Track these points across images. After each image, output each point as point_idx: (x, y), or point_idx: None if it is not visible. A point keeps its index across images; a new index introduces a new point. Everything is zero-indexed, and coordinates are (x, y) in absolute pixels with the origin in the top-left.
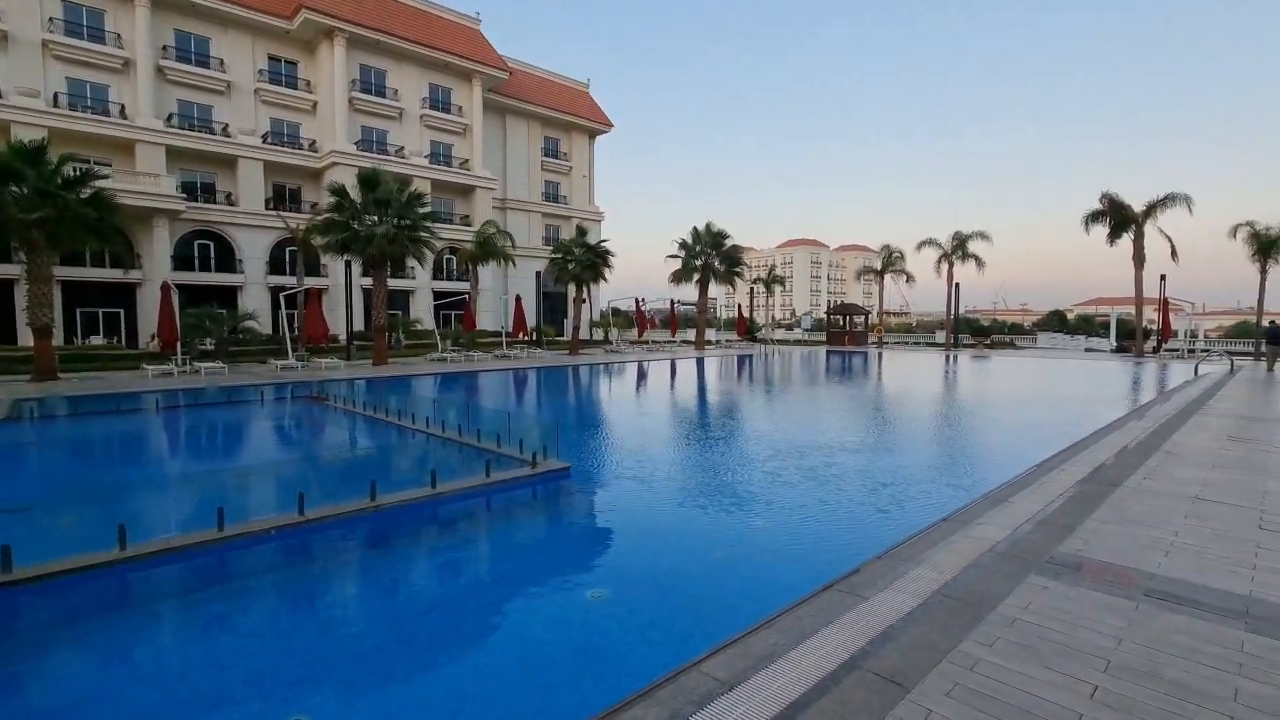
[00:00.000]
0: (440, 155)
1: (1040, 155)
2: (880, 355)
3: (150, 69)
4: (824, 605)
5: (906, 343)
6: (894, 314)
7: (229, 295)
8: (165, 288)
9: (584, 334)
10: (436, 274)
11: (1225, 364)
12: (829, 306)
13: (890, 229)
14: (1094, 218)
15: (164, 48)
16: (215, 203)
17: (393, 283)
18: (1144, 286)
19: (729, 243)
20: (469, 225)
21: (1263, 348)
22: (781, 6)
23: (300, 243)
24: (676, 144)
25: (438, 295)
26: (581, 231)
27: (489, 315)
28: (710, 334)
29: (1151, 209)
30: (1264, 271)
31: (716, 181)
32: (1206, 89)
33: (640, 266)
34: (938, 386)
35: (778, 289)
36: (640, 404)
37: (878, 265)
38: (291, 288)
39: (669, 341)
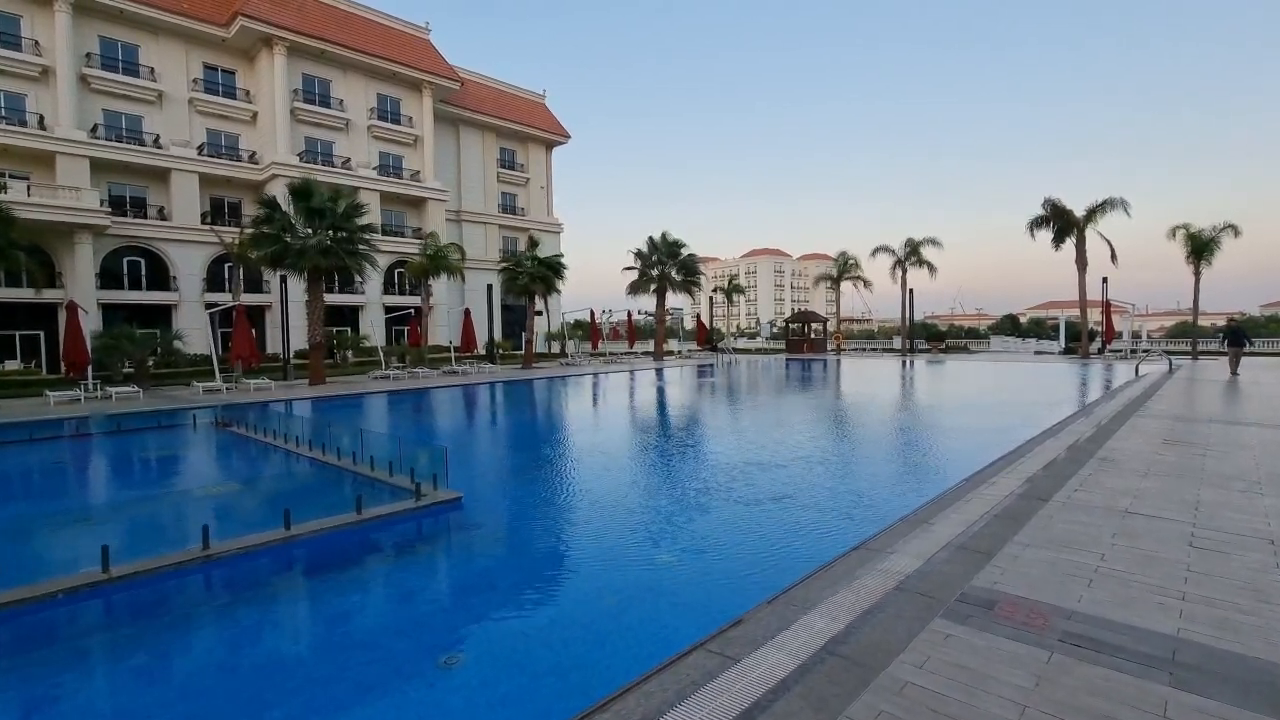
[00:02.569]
0: (390, 167)
1: (997, 162)
2: (838, 363)
3: (72, 77)
4: (684, 674)
5: (864, 349)
6: (855, 321)
7: (163, 314)
8: (71, 308)
9: (541, 347)
10: (389, 288)
11: (1164, 364)
12: (791, 315)
13: (854, 237)
14: (1038, 223)
15: (88, 55)
16: (146, 217)
17: (341, 298)
18: (1088, 289)
19: (685, 252)
20: (421, 238)
21: (1213, 346)
22: (738, 21)
23: (236, 258)
24: (640, 155)
25: (390, 310)
26: (533, 243)
27: (443, 330)
28: (672, 344)
29: (1092, 213)
30: (1198, 273)
31: (680, 193)
32: (1149, 96)
33: (604, 278)
34: (884, 395)
35: (741, 298)
36: (575, 421)
37: (835, 273)
38: (224, 305)
39: (627, 353)
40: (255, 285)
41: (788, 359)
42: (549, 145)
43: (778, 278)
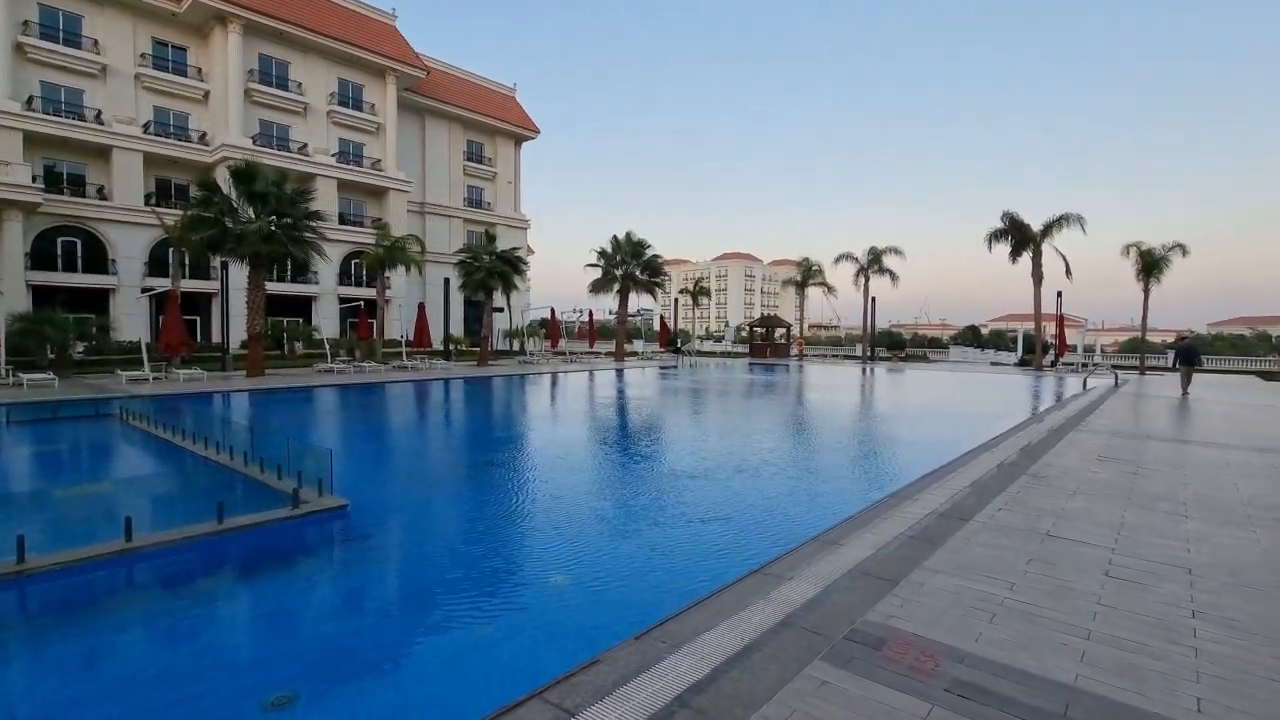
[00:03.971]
0: (350, 154)
1: (970, 175)
2: (799, 369)
3: (6, 45)
4: None
5: (826, 355)
6: (823, 327)
7: (101, 299)
8: None
9: (502, 345)
10: (345, 279)
11: (1111, 379)
12: (754, 319)
13: (827, 244)
14: (997, 236)
15: (25, 23)
16: (85, 196)
17: (292, 287)
18: (1044, 303)
19: (650, 252)
20: (381, 228)
21: (1160, 362)
22: (712, 27)
23: (176, 241)
24: (614, 157)
25: (346, 302)
26: (490, 237)
27: (400, 325)
28: (637, 345)
29: (1048, 228)
30: (1147, 290)
31: (653, 195)
32: (1112, 117)
33: (573, 277)
34: (832, 404)
35: (710, 300)
36: (511, 424)
37: (799, 279)
38: (158, 290)
39: (589, 353)
40: (202, 271)
41: (750, 363)
42: (518, 140)
43: (748, 282)
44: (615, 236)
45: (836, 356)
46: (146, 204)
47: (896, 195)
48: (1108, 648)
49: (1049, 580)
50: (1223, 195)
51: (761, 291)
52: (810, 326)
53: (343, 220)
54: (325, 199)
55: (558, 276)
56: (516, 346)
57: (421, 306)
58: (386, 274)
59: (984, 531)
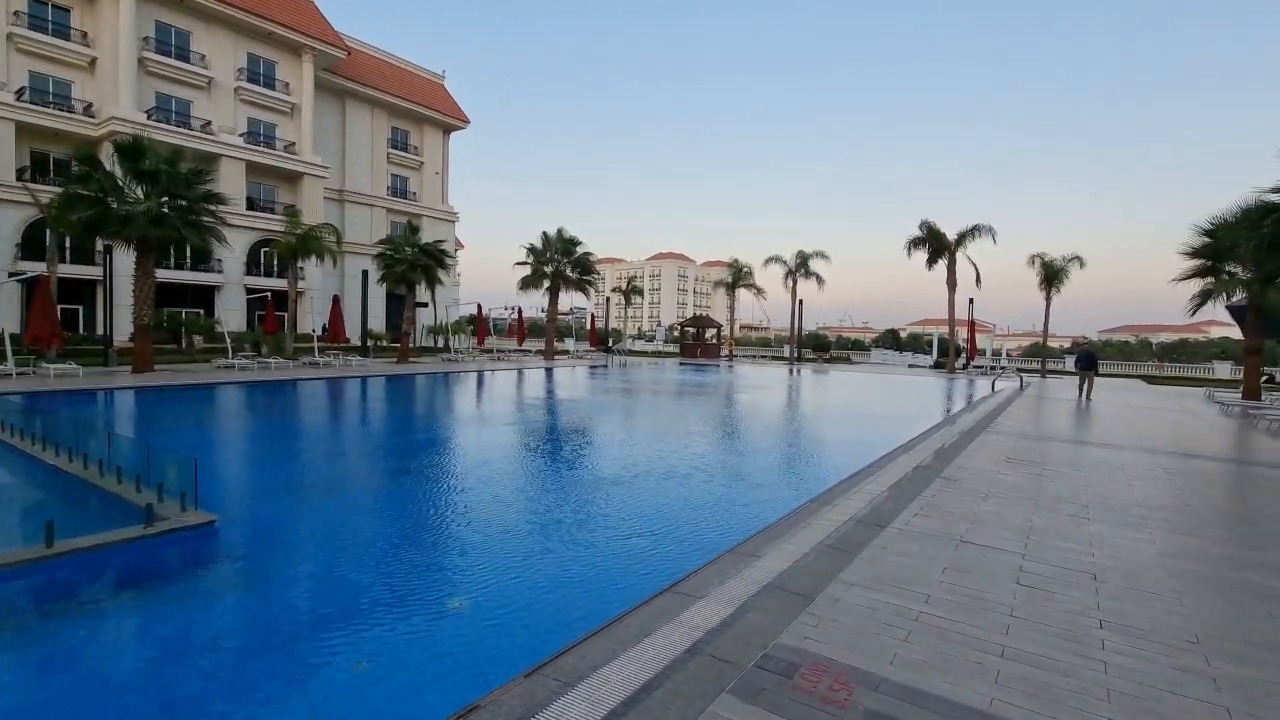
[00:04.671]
0: (260, 135)
1: (891, 183)
2: (728, 369)
3: None
4: None
5: (755, 356)
6: (754, 328)
7: None
8: None
9: (427, 341)
10: (254, 269)
11: (1016, 381)
12: (685, 319)
13: (760, 247)
14: (915, 243)
15: None
16: None
17: (192, 276)
18: (957, 309)
19: (581, 250)
20: (293, 215)
21: (1059, 366)
22: (648, 26)
23: (52, 222)
24: (552, 154)
25: (254, 293)
26: (413, 228)
27: (317, 318)
28: (567, 343)
29: (962, 237)
30: (1049, 298)
31: (587, 194)
32: (1017, 130)
33: (507, 273)
34: (756, 404)
35: (644, 300)
36: (422, 427)
37: (730, 280)
38: (26, 274)
39: (517, 350)
40: (87, 256)
41: (680, 362)
42: (446, 129)
43: (681, 282)
44: (545, 233)
45: (765, 357)
46: (19, 179)
47: (826, 201)
48: (1020, 665)
49: (963, 591)
50: (1115, 211)
51: (695, 292)
52: (742, 327)
53: (251, 205)
54: (231, 182)
55: (490, 273)
56: (442, 343)
57: (336, 299)
58: (299, 264)
59: (900, 539)
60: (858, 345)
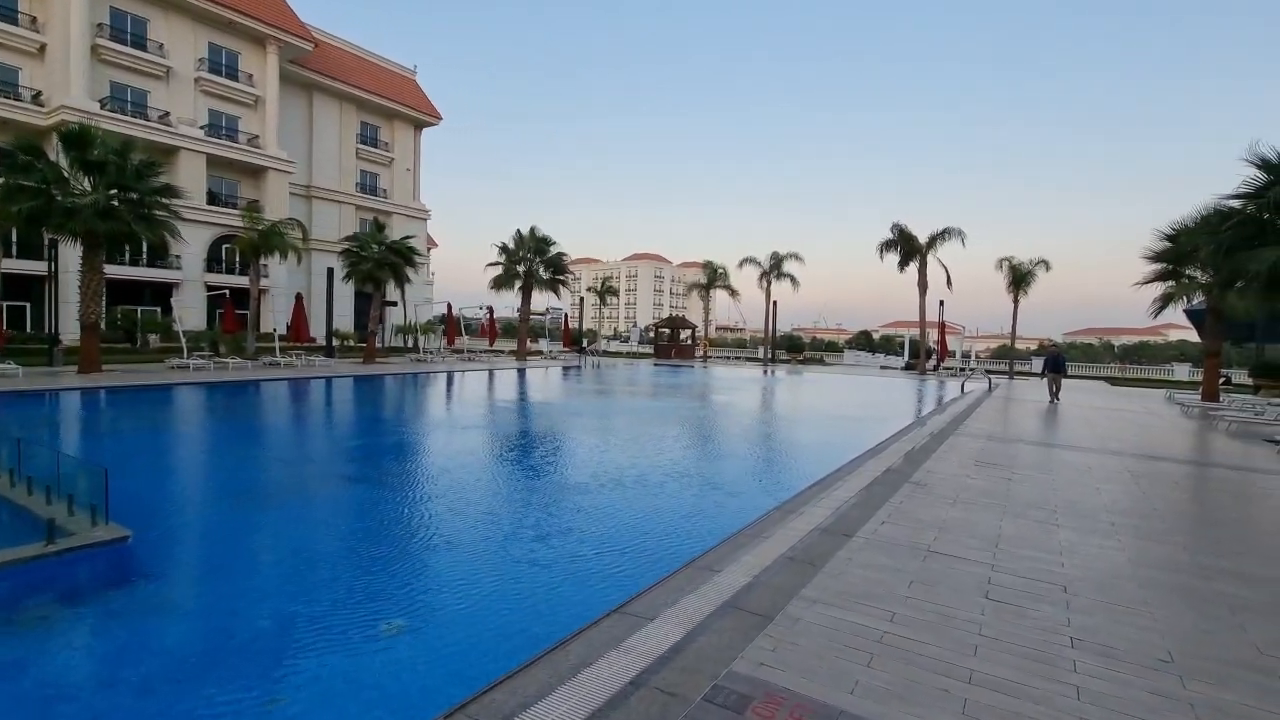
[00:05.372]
0: (223, 128)
1: (863, 185)
2: (701, 370)
3: None
4: None
5: (730, 357)
6: (730, 329)
7: None
8: None
9: (396, 341)
10: (215, 265)
11: (985, 383)
12: (660, 320)
13: (737, 248)
14: (888, 245)
15: None
16: None
17: (148, 272)
18: (928, 311)
19: (554, 249)
20: (254, 210)
21: (1026, 368)
22: (626, 26)
23: None
24: (529, 154)
25: (215, 290)
26: (379, 225)
27: (282, 316)
28: (542, 344)
29: (933, 240)
30: (1016, 301)
31: (565, 194)
32: (987, 136)
33: (482, 273)
34: (727, 405)
35: (620, 300)
36: (384, 428)
37: (705, 281)
38: None
39: (489, 351)
40: (35, 250)
41: (655, 363)
42: (418, 125)
43: (657, 283)
44: (519, 231)
45: (739, 358)
46: None
47: (803, 204)
48: (989, 691)
49: (930, 607)
50: (1081, 216)
51: (671, 293)
52: (718, 329)
53: (213, 200)
54: (190, 175)
55: (465, 273)
56: (411, 343)
57: (299, 297)
58: (262, 261)
59: (866, 549)
60: (832, 346)
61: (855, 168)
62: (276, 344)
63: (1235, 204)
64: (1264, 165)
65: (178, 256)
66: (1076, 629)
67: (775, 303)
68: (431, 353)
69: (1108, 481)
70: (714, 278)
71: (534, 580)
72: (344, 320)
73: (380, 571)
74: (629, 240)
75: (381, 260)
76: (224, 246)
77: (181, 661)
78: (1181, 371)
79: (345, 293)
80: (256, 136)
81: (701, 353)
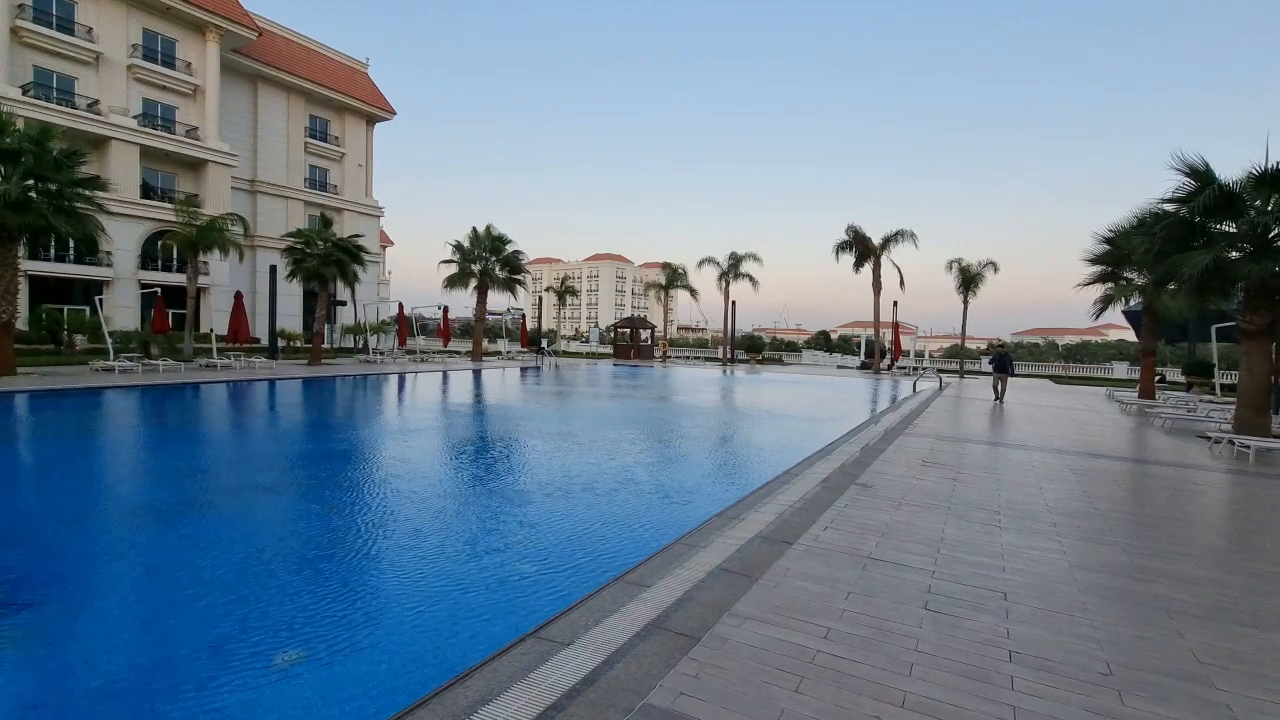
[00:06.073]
0: (158, 118)
1: (821, 188)
2: (660, 370)
3: None
4: None
5: (690, 357)
6: (691, 329)
7: None
8: None
9: (346, 342)
10: (150, 262)
11: (935, 382)
12: (619, 320)
13: (699, 248)
14: (843, 247)
15: None
16: None
17: (77, 269)
18: (883, 311)
19: (510, 248)
20: (190, 205)
21: (976, 367)
22: (584, 24)
23: None
24: (490, 153)
25: (149, 288)
26: (325, 221)
27: (223, 316)
28: (500, 344)
29: (887, 242)
30: (966, 302)
31: (527, 192)
32: (938, 140)
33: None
34: (681, 405)
35: (581, 300)
36: (318, 434)
37: (664, 282)
38: None
39: (443, 351)
40: None
41: (614, 364)
42: (370, 120)
43: (619, 283)
44: (475, 229)
45: (699, 358)
46: None
47: (764, 205)
48: (921, 716)
49: (867, 620)
50: (1026, 219)
51: (632, 293)
52: (679, 329)
53: (148, 194)
54: (122, 167)
55: (422, 272)
56: (361, 344)
57: (239, 296)
58: (202, 258)
59: (806, 558)
60: (791, 346)
61: (815, 170)
62: (214, 345)
63: (1169, 207)
64: (1191, 172)
65: (109, 253)
66: (1016, 640)
67: (734, 303)
68: (382, 354)
69: (1050, 480)
70: (673, 278)
71: (456, 601)
72: (291, 320)
73: (283, 594)
74: (591, 240)
75: (327, 257)
76: (160, 243)
77: (36, 706)
78: (1120, 370)
79: (293, 292)
80: (195, 128)
81: (661, 353)
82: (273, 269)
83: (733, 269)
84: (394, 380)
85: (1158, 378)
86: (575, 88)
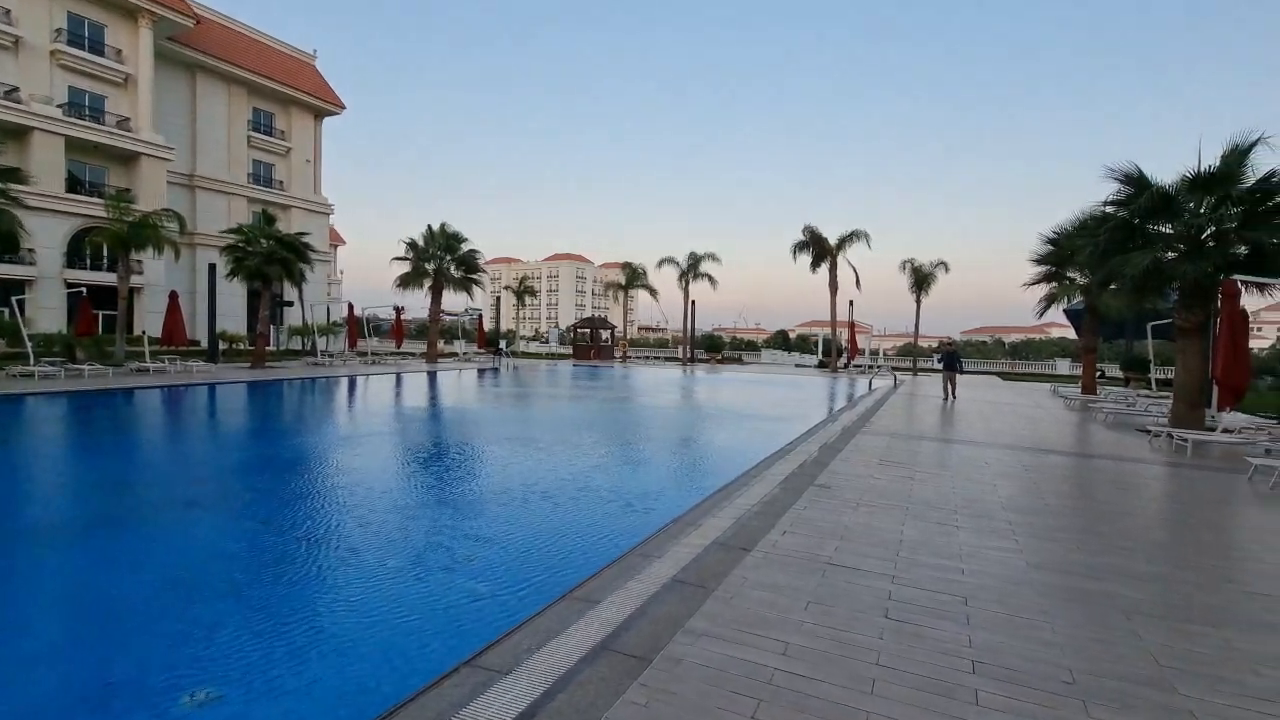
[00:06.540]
0: (86, 108)
1: (780, 189)
2: (620, 370)
3: None
4: None
5: (650, 357)
6: (652, 329)
7: None
8: None
9: (294, 344)
10: (79, 260)
11: (890, 380)
12: (578, 320)
13: (657, 249)
14: (800, 247)
15: None
16: None
17: None
18: (840, 311)
19: (466, 247)
20: (121, 200)
21: (929, 365)
22: (545, 19)
23: None
24: (440, 151)
25: (76, 287)
26: (269, 218)
27: (161, 317)
28: (458, 345)
29: (842, 242)
30: (919, 301)
31: (482, 191)
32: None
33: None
34: (644, 407)
35: (541, 301)
36: (235, 445)
37: (624, 282)
38: None
39: (396, 353)
40: None
41: (574, 364)
42: (318, 113)
43: (579, 283)
44: (430, 227)
45: (659, 358)
46: None
47: (726, 206)
48: None
49: (826, 633)
50: (976, 220)
51: (592, 293)
52: (640, 329)
53: (76, 188)
54: (46, 159)
55: (379, 272)
56: (309, 346)
57: (174, 296)
58: (135, 256)
59: (764, 566)
60: (751, 346)
61: (775, 171)
62: (146, 348)
63: (1110, 210)
64: (1125, 179)
65: (31, 250)
66: (978, 649)
67: (694, 303)
68: (331, 356)
69: (1003, 477)
70: (633, 278)
71: (394, 627)
72: (233, 321)
73: (197, 625)
74: (551, 240)
75: (270, 255)
76: (86, 239)
77: None
78: (1063, 366)
79: (236, 291)
80: (127, 119)
81: (621, 354)
82: (212, 267)
83: (692, 269)
84: (342, 384)
85: (1098, 374)
86: (534, 84)
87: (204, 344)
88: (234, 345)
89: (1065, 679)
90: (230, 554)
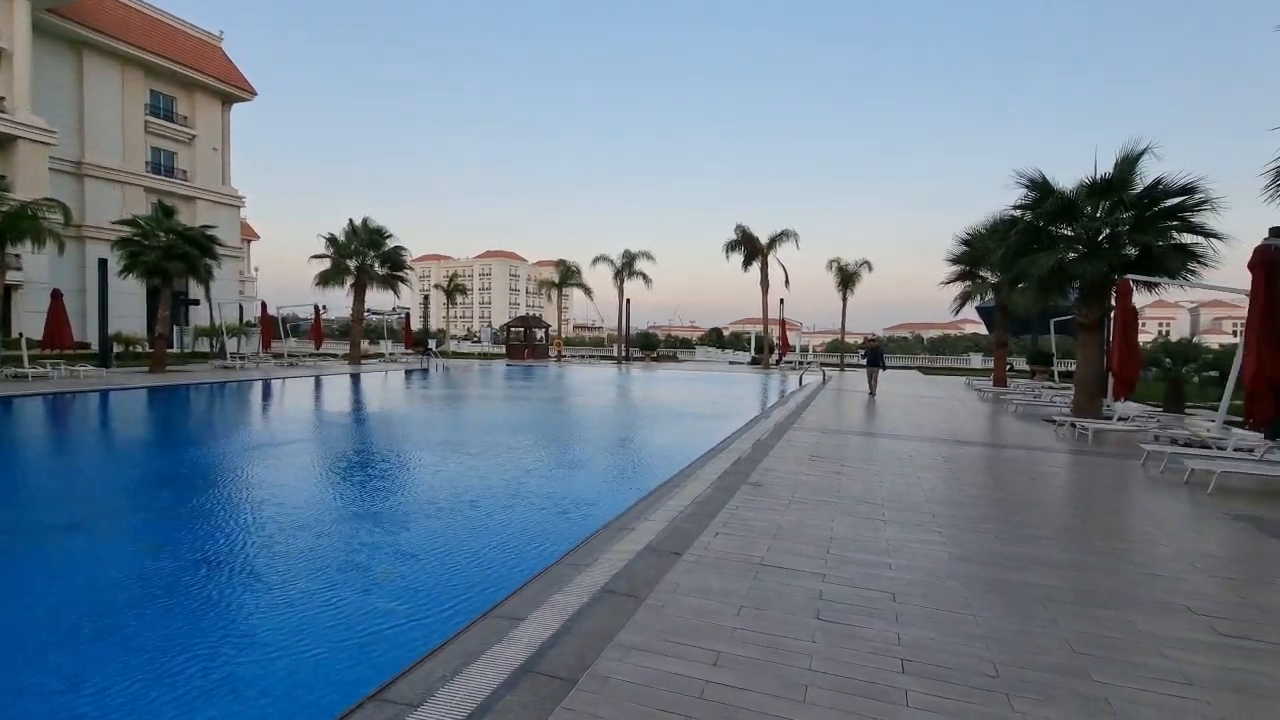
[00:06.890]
0: None
1: (713, 188)
2: (553, 369)
3: None
4: None
5: (585, 356)
6: (587, 328)
7: None
8: None
9: (201, 346)
10: None
11: (819, 376)
12: (511, 319)
13: (594, 247)
14: (732, 246)
15: None
16: None
17: None
18: (770, 309)
19: (390, 243)
20: (6, 189)
21: (854, 360)
22: (478, 18)
23: None
24: (364, 142)
25: None
26: (167, 210)
27: (43, 317)
28: (385, 345)
29: (773, 241)
30: (845, 299)
31: (409, 186)
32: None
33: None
34: (576, 407)
35: (474, 299)
36: (120, 459)
37: (558, 280)
38: None
39: (316, 354)
40: None
41: (507, 364)
42: (226, 99)
43: (513, 281)
44: (351, 221)
45: (595, 357)
46: None
47: (660, 203)
48: None
49: (759, 638)
50: (897, 221)
51: (526, 291)
52: (576, 328)
53: None
54: None
55: (301, 269)
56: (218, 348)
57: (57, 295)
58: (12, 250)
59: (696, 570)
60: (686, 344)
61: (708, 172)
62: (25, 351)
63: (1018, 213)
64: (1031, 184)
65: None
66: (907, 646)
67: (629, 301)
68: (243, 358)
69: (926, 469)
70: (567, 276)
71: (295, 660)
72: (132, 322)
73: (63, 673)
74: (483, 238)
75: (170, 249)
76: None
77: None
78: (976, 360)
79: (134, 290)
80: (2, 99)
81: (556, 353)
82: (102, 263)
83: (627, 267)
84: (254, 388)
85: (1008, 367)
86: (465, 79)
87: (95, 347)
88: (131, 348)
89: (989, 672)
90: (112, 582)
